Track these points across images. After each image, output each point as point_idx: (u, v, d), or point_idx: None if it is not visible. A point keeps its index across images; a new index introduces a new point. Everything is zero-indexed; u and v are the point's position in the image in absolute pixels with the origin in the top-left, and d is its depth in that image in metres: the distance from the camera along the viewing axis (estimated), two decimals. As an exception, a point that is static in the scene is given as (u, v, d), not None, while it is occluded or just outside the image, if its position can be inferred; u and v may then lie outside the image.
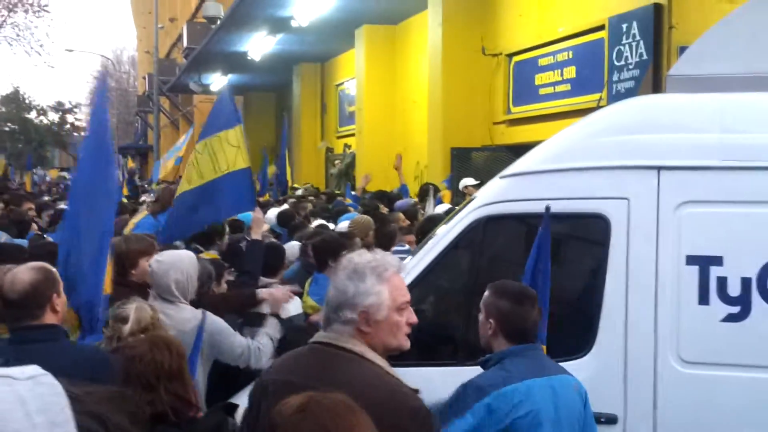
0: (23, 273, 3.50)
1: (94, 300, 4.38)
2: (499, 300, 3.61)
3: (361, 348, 2.68)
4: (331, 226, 8.59)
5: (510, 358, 3.47)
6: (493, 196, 4.48)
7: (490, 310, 3.60)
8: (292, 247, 7.21)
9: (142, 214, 8.84)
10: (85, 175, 4.77)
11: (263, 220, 6.54)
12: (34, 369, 1.19)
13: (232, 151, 6.19)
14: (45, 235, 8.65)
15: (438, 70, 14.45)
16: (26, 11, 35.31)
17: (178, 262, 4.65)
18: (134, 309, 3.84)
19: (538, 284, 3.87)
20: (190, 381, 3.29)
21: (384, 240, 7.17)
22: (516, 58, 13.76)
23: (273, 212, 10.12)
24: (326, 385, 2.54)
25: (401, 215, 9.06)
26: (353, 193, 13.92)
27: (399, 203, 11.24)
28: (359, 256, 2.77)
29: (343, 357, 2.67)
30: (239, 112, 6.65)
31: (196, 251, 6.29)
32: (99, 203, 4.63)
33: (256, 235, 5.99)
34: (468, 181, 12.07)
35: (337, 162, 21.14)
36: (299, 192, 16.17)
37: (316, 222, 9.03)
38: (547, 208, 4.01)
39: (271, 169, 16.66)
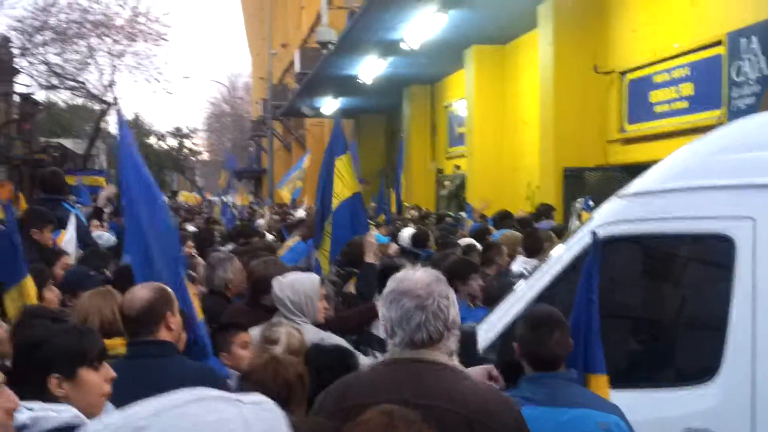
0: (141, 291, 3.65)
1: (193, 325, 4.43)
2: (521, 324, 3.60)
3: (448, 359, 2.80)
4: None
5: (526, 383, 3.44)
6: (611, 216, 4.37)
7: (515, 333, 3.60)
8: None
9: (294, 239, 8.79)
10: (136, 212, 4.86)
11: (376, 244, 6.57)
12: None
13: (348, 177, 6.34)
14: None
15: (549, 89, 14.29)
16: (146, 40, 36.72)
17: (295, 283, 4.74)
18: (285, 333, 3.96)
19: (591, 313, 3.69)
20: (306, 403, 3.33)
21: (533, 253, 7.29)
22: (630, 76, 13.47)
23: (407, 232, 10.10)
24: (436, 398, 2.59)
25: (553, 234, 8.81)
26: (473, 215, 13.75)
27: (542, 223, 11.11)
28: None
29: (436, 369, 2.76)
30: (346, 140, 6.77)
31: None
32: (156, 233, 4.71)
33: (369, 258, 6.02)
34: (580, 204, 11.82)
35: (447, 183, 21.14)
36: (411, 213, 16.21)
37: (466, 240, 8.90)
38: (594, 234, 3.85)
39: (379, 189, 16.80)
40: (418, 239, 9.34)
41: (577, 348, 3.62)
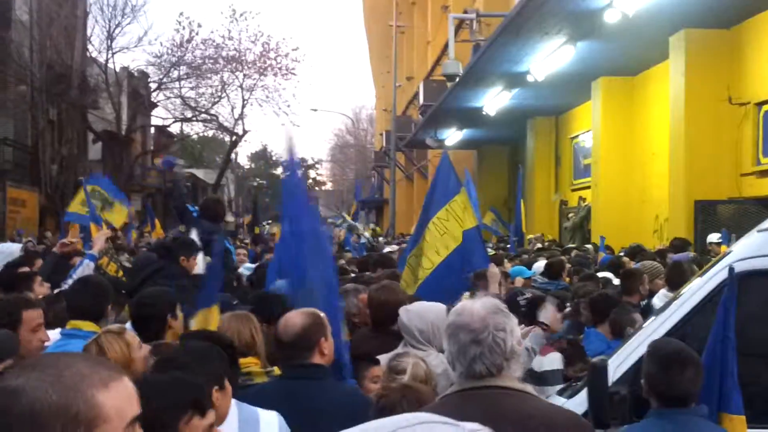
0: (295, 317, 3.80)
1: (339, 347, 4.57)
2: (648, 360, 3.55)
3: (512, 383, 2.80)
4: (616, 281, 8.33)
5: (655, 419, 3.39)
6: (752, 250, 4.28)
7: (643, 368, 3.55)
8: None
9: None
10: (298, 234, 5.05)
11: (498, 275, 6.56)
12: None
13: (464, 214, 6.36)
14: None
15: (680, 121, 14.00)
16: (275, 74, 37.90)
17: (423, 313, 4.81)
18: (411, 364, 4.05)
19: (727, 351, 3.60)
20: None
21: (676, 287, 7.13)
22: (766, 107, 13.06)
23: (541, 264, 10.03)
24: (504, 422, 2.60)
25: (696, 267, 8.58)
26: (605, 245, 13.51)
27: (679, 256, 10.85)
28: None
29: (519, 396, 2.79)
30: (457, 176, 6.80)
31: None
32: (316, 257, 4.86)
33: (493, 289, 6.03)
34: (715, 238, 11.49)
35: (571, 215, 20.88)
36: (536, 244, 16.07)
37: (602, 274, 8.73)
38: (731, 270, 3.75)
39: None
40: (551, 270, 9.09)
41: (711, 385, 3.56)
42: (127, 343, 3.70)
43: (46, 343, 4.53)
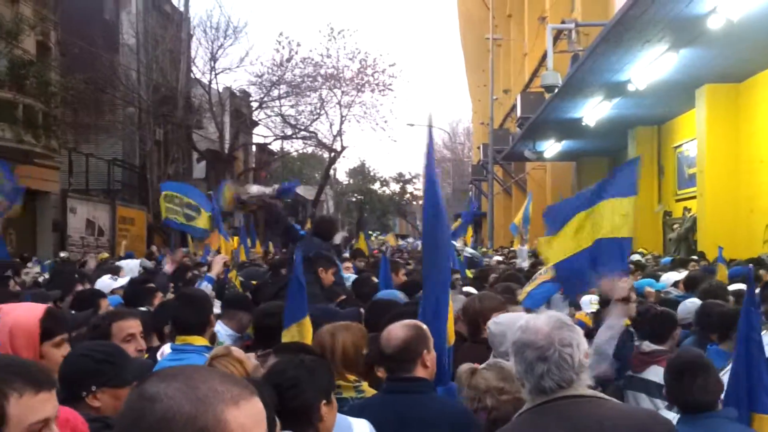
0: (398, 330, 3.83)
1: (441, 351, 4.62)
2: (665, 370, 3.62)
3: (585, 390, 2.82)
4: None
5: (680, 425, 3.37)
6: None
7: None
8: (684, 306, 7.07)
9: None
10: (429, 238, 5.10)
11: (626, 289, 6.36)
12: None
13: (619, 219, 6.13)
14: None
15: (790, 127, 13.55)
16: (372, 90, 38.30)
17: (513, 324, 4.78)
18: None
19: (753, 351, 3.53)
20: None
21: None
22: None
23: (672, 276, 9.81)
24: (585, 430, 2.65)
25: None
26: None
27: None
28: None
29: (593, 401, 2.80)
30: (636, 184, 6.53)
31: None
32: (440, 261, 4.90)
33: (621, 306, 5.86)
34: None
35: (675, 226, 20.39)
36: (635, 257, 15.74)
37: (736, 286, 8.12)
38: (750, 271, 3.68)
39: None
40: (690, 283, 8.76)
41: (739, 386, 3.51)
42: (239, 360, 3.81)
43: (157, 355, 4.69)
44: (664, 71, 15.11)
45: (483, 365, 4.41)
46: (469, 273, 12.02)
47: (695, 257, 14.74)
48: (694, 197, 19.19)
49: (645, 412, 2.95)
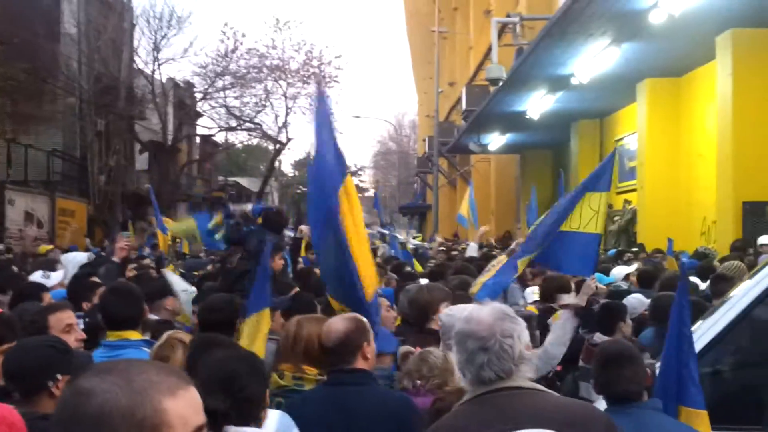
0: (338, 323, 3.85)
1: (359, 308, 4.59)
2: (594, 360, 3.64)
3: (525, 382, 2.82)
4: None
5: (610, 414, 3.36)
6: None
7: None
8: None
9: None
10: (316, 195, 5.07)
11: (594, 288, 6.40)
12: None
13: (588, 213, 6.09)
14: None
15: (728, 121, 13.83)
16: (318, 82, 38.10)
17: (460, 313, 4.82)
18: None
19: (683, 346, 3.60)
20: None
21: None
22: (817, 106, 12.86)
23: (623, 270, 9.78)
24: (523, 421, 2.67)
25: None
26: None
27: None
28: None
29: (532, 393, 2.81)
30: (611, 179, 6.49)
31: None
32: (326, 216, 4.87)
33: (581, 302, 5.92)
34: (765, 240, 11.33)
35: (616, 218, 20.69)
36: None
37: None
38: (683, 264, 3.77)
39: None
40: (644, 277, 8.75)
41: (669, 379, 3.58)
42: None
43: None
44: (607, 65, 15.30)
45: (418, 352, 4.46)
46: (418, 266, 12.05)
47: (634, 249, 15.01)
48: (634, 190, 19.51)
49: (583, 405, 2.97)
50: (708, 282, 7.62)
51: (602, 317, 5.95)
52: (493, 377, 2.77)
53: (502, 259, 7.10)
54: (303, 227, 8.97)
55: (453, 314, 4.86)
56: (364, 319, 3.92)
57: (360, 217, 5.06)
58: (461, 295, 5.90)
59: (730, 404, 4.28)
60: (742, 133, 13.58)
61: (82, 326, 4.76)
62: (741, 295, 4.35)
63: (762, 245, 11.33)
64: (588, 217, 6.00)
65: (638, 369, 3.51)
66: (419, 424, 3.54)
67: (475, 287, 6.66)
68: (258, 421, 3.03)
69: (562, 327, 5.41)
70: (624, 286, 8.76)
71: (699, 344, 4.04)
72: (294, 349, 4.10)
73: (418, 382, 3.99)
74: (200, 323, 5.07)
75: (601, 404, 3.64)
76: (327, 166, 4.95)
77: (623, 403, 3.47)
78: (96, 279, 7.23)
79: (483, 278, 6.90)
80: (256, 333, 4.37)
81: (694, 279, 8.24)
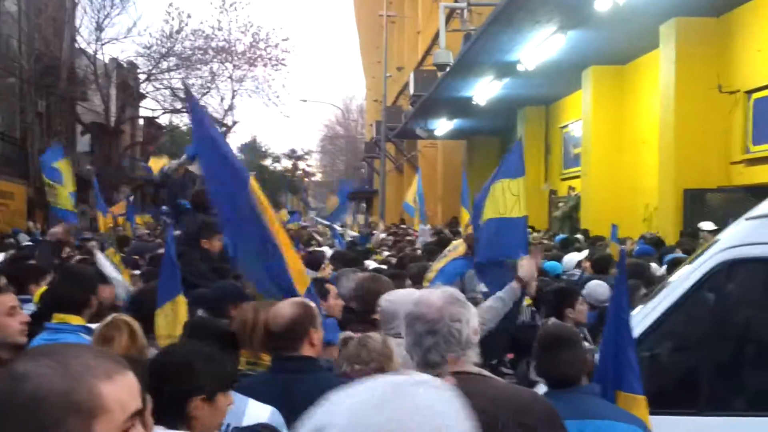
0: (285, 308, 3.77)
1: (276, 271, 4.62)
2: (535, 344, 3.64)
3: (470, 368, 2.83)
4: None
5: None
6: (740, 238, 4.30)
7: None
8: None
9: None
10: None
11: (533, 267, 6.42)
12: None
13: (511, 200, 6.22)
14: None
15: (670, 109, 14.03)
16: (265, 65, 37.76)
17: (405, 301, 4.79)
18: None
19: (621, 332, 3.65)
20: None
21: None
22: (756, 95, 13.09)
23: (575, 256, 9.87)
24: (479, 407, 2.60)
25: None
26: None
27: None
28: None
29: (478, 379, 2.82)
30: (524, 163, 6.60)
31: None
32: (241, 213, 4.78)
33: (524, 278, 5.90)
34: (706, 226, 11.51)
35: (560, 204, 20.91)
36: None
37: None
38: (623, 252, 3.87)
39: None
40: (600, 263, 8.66)
41: (607, 365, 3.62)
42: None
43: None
44: (553, 52, 15.40)
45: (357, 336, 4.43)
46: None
47: (579, 236, 15.17)
48: (578, 176, 19.71)
49: (528, 393, 2.96)
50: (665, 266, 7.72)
51: (555, 301, 6.01)
52: (439, 361, 2.77)
53: (459, 244, 7.12)
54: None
55: (393, 300, 4.84)
56: (312, 305, 3.86)
57: (272, 213, 4.99)
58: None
59: (668, 389, 4.33)
60: (684, 121, 13.78)
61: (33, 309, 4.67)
62: (679, 281, 4.39)
63: (703, 231, 11.50)
64: (511, 203, 6.17)
65: (576, 353, 3.52)
66: None
67: (431, 273, 6.65)
68: (186, 425, 2.90)
69: (502, 294, 5.45)
70: (577, 273, 8.78)
71: (638, 329, 4.07)
72: (252, 336, 4.01)
73: (357, 366, 3.95)
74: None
75: (542, 388, 3.64)
76: (226, 166, 4.82)
77: (562, 386, 3.47)
78: (34, 263, 7.11)
79: (439, 264, 6.90)
80: (175, 321, 4.30)
81: (654, 264, 8.33)
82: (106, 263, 6.79)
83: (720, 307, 4.36)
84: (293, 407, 3.50)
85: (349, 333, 4.30)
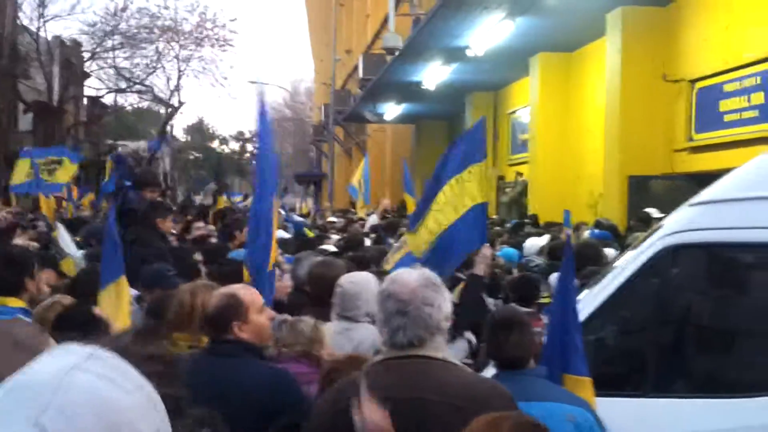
0: (215, 297, 3.78)
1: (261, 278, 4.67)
2: (485, 327, 3.69)
3: (436, 353, 2.83)
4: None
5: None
6: (682, 224, 4.37)
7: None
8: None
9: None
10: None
11: (489, 257, 6.37)
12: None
13: (472, 188, 6.07)
14: None
15: (616, 97, 14.20)
16: (213, 46, 37.37)
17: (368, 284, 4.81)
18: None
19: (567, 316, 3.72)
20: None
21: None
22: (699, 84, 13.32)
23: (537, 241, 9.88)
24: (425, 391, 2.70)
25: None
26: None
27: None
28: None
29: (440, 365, 2.82)
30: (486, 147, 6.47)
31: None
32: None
33: (478, 270, 5.92)
34: (654, 212, 11.69)
35: (507, 190, 21.08)
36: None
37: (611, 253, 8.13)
38: (569, 238, 3.94)
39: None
40: (555, 251, 8.20)
41: (553, 348, 3.67)
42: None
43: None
44: (501, 38, 15.46)
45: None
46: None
47: (527, 220, 15.32)
48: (526, 162, 19.88)
49: (488, 383, 2.99)
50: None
51: (520, 288, 6.09)
52: (405, 342, 2.78)
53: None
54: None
55: (357, 282, 4.85)
56: (242, 296, 3.80)
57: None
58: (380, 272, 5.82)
59: (614, 372, 4.40)
60: (630, 109, 13.96)
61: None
62: (624, 266, 4.45)
63: (654, 217, 11.66)
64: (473, 191, 6.04)
65: (525, 336, 3.56)
66: (295, 398, 3.50)
67: (388, 265, 6.64)
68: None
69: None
70: (537, 260, 8.76)
71: (584, 313, 4.13)
72: (191, 317, 3.99)
73: (284, 349, 3.97)
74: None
75: (491, 370, 3.68)
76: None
77: (510, 368, 3.51)
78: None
79: (397, 254, 6.87)
80: (118, 302, 4.25)
81: (611, 250, 8.38)
82: (67, 240, 6.70)
83: (663, 292, 4.44)
84: (219, 391, 3.48)
85: (285, 316, 4.31)
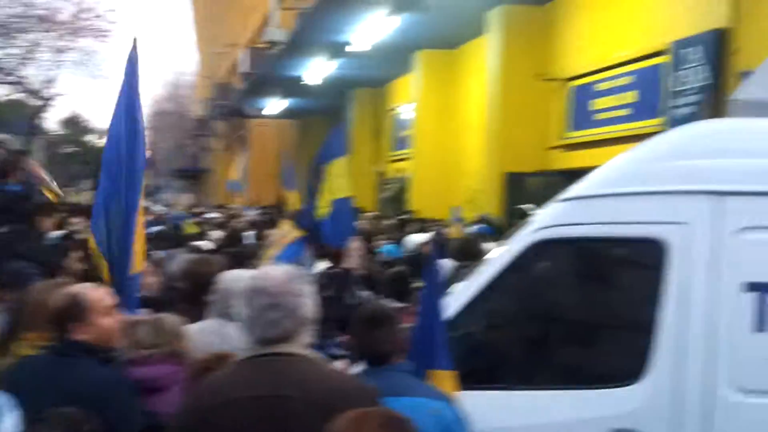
0: (54, 297, 3.65)
1: (123, 279, 4.46)
2: (351, 323, 3.68)
3: (303, 350, 2.84)
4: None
5: (363, 377, 3.49)
6: (549, 219, 4.45)
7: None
8: None
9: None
10: (113, 152, 4.84)
11: (360, 250, 6.39)
12: None
13: (338, 181, 6.18)
14: None
15: (495, 95, 14.46)
16: (91, 36, 36.13)
17: (238, 281, 4.70)
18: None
19: (433, 311, 3.75)
20: None
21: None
22: (574, 83, 13.70)
23: (417, 238, 9.87)
24: (290, 389, 2.68)
25: None
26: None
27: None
28: None
29: (306, 362, 2.82)
30: (346, 143, 6.58)
31: None
32: (126, 181, 4.67)
33: (349, 263, 5.85)
34: (527, 208, 11.95)
35: (388, 186, 21.21)
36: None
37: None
38: (437, 233, 4.07)
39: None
40: (466, 252, 7.61)
41: (420, 343, 3.72)
42: None
43: None
44: (385, 34, 15.50)
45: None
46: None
47: (407, 216, 15.44)
48: (407, 159, 20.03)
49: (351, 379, 2.98)
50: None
51: (394, 284, 6.07)
52: (279, 335, 2.77)
53: (288, 230, 7.08)
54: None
55: (236, 278, 4.73)
56: (85, 297, 3.65)
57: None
58: None
59: (480, 366, 4.44)
60: (508, 106, 14.22)
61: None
62: (493, 261, 4.50)
63: (530, 213, 11.90)
64: (339, 185, 6.18)
65: (391, 331, 3.54)
66: (122, 406, 3.39)
67: (265, 260, 6.57)
68: None
69: None
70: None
71: (452, 307, 4.15)
72: (38, 316, 3.83)
73: (153, 351, 3.83)
74: None
75: (359, 366, 3.65)
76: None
77: (378, 364, 3.49)
78: None
79: (273, 250, 6.82)
80: None
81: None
82: None
83: (530, 286, 4.51)
84: (51, 390, 3.37)
85: (140, 317, 4.17)
